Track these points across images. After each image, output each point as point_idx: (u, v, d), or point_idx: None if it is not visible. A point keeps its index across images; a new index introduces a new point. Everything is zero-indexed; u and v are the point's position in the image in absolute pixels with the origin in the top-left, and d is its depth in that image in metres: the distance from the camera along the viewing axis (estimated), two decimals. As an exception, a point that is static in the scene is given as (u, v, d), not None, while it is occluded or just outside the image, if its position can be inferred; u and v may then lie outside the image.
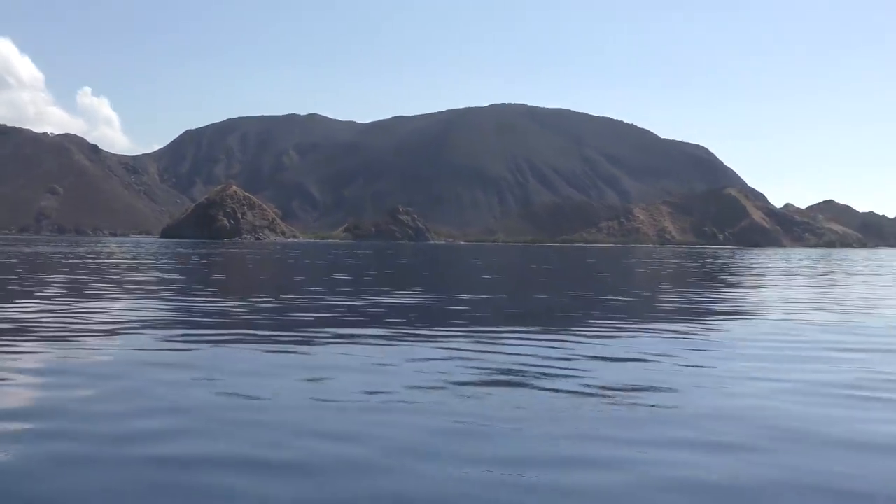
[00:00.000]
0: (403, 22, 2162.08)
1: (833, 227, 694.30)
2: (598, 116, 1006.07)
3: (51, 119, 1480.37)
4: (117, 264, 55.08)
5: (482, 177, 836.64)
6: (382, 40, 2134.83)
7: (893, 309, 27.55)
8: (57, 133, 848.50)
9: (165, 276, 42.56)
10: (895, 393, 11.39)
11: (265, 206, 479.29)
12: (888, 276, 55.09)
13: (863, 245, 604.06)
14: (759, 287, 40.82)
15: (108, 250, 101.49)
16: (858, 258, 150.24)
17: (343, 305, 25.40)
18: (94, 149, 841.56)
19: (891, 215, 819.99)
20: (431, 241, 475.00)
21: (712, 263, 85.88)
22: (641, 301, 30.78)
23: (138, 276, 38.25)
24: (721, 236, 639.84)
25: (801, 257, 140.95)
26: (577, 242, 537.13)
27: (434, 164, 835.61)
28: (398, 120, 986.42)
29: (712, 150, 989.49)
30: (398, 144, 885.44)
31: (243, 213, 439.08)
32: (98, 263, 54.74)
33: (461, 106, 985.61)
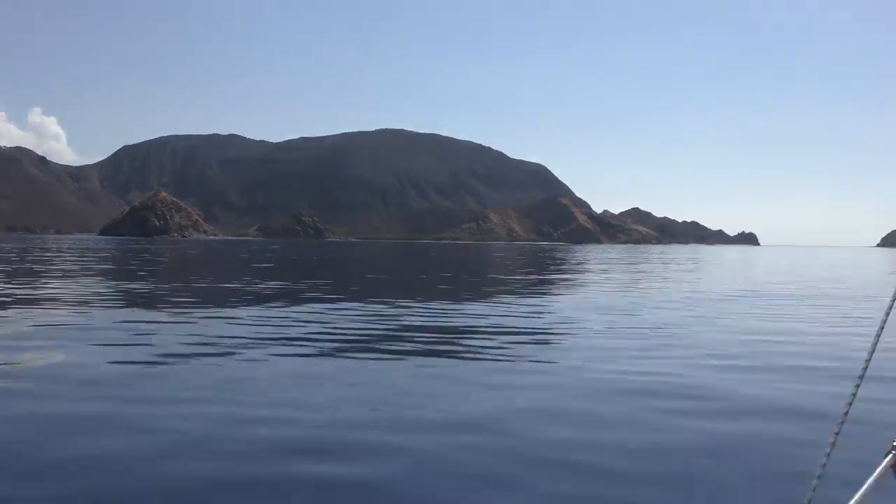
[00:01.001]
0: (305, 57, 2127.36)
1: (638, 229, 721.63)
2: (463, 140, 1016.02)
3: (4, 134, 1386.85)
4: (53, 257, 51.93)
5: (371, 187, 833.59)
6: (290, 70, 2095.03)
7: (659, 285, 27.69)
8: (9, 146, 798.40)
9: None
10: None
11: (190, 210, 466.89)
12: (671, 265, 57.18)
13: (659, 242, 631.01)
14: (578, 272, 42.03)
15: (45, 246, 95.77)
16: (655, 252, 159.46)
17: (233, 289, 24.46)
18: (43, 160, 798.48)
19: (679, 220, 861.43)
20: (329, 239, 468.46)
21: (549, 255, 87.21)
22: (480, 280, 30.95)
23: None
24: (555, 235, 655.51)
25: (612, 252, 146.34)
26: (444, 240, 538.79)
27: (332, 176, 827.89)
28: (304, 140, 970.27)
29: (549, 167, 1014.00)
30: (303, 160, 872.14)
31: (171, 216, 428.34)
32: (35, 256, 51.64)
33: (353, 130, 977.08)
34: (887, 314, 2.08)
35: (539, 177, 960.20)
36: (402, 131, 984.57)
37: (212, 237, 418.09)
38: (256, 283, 30.74)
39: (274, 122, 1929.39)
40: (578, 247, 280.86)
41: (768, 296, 28.58)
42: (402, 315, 18.90)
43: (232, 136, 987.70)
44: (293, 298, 23.33)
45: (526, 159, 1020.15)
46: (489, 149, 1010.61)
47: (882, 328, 2.07)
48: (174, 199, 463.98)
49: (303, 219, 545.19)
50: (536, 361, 12.27)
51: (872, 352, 2.08)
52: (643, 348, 13.73)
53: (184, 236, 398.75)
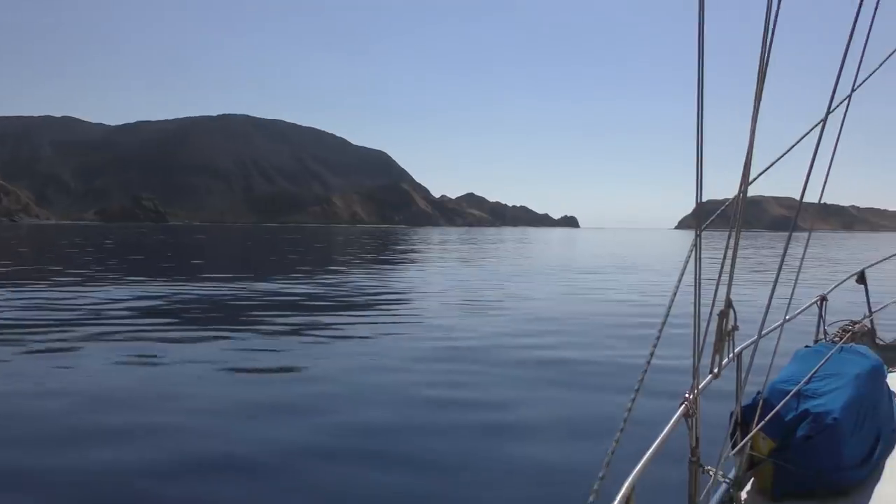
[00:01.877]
0: (146, 40, 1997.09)
1: (473, 212, 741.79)
2: (305, 126, 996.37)
3: None
4: None
5: (214, 171, 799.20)
6: (129, 49, 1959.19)
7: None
8: None
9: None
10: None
11: (20, 193, 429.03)
12: (497, 245, 60.01)
13: (492, 225, 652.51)
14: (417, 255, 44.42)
15: None
16: (489, 234, 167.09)
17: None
18: None
19: (510, 204, 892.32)
20: (171, 223, 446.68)
21: (390, 237, 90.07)
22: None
23: None
24: (397, 218, 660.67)
25: (449, 234, 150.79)
26: (290, 223, 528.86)
27: (174, 160, 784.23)
28: (144, 123, 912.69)
29: (391, 154, 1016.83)
30: (143, 143, 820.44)
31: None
32: None
33: (196, 114, 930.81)
34: (677, 285, 2.22)
35: (381, 163, 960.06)
36: (245, 116, 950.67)
37: (44, 221, 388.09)
38: None
39: (112, 105, 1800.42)
40: (419, 229, 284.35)
41: (577, 270, 33.19)
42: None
43: (67, 119, 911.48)
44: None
45: (368, 146, 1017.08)
46: (332, 135, 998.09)
47: (674, 296, 2.22)
48: (1, 181, 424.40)
49: (143, 202, 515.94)
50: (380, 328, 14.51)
51: (667, 315, 2.22)
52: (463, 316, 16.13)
53: (13, 220, 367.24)
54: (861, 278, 6.08)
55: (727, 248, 2.08)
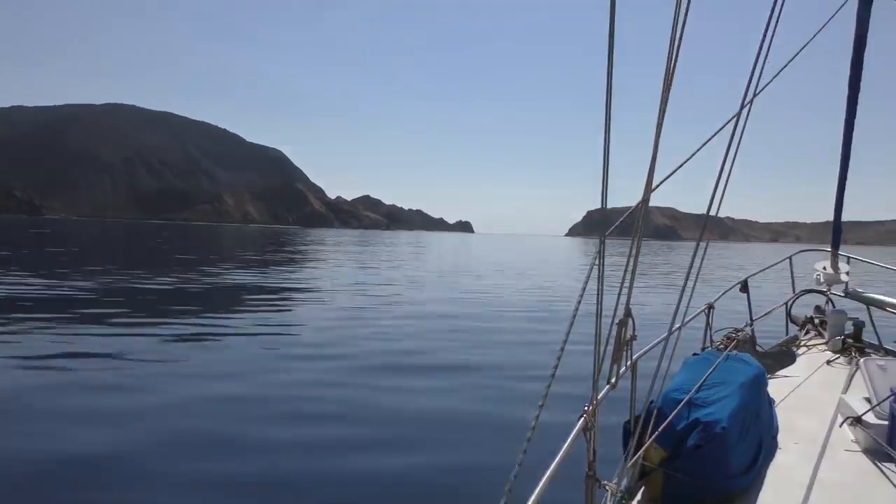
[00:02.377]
0: (19, 15, 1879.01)
1: (368, 215, 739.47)
2: (197, 120, 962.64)
3: None
4: None
5: (97, 163, 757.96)
6: (4, 31, 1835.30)
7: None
8: None
9: None
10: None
11: None
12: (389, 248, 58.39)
13: (387, 228, 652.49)
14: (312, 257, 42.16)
15: None
16: (384, 236, 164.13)
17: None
18: None
19: (406, 207, 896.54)
20: (47, 216, 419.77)
21: (283, 239, 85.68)
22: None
23: None
24: (291, 218, 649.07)
25: (344, 236, 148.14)
26: (177, 221, 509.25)
27: (52, 150, 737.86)
28: (19, 108, 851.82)
29: (286, 153, 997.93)
30: (17, 130, 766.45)
31: None
32: None
33: (79, 102, 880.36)
34: (581, 294, 2.27)
35: (275, 161, 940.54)
36: (133, 107, 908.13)
37: None
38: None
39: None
40: (312, 230, 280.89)
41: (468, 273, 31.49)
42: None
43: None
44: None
45: (263, 143, 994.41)
46: (226, 131, 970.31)
47: (577, 305, 2.26)
48: None
49: (15, 194, 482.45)
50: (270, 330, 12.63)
51: (571, 324, 2.25)
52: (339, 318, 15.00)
53: None
54: (744, 287, 6.50)
55: (629, 256, 2.12)
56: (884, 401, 3.49)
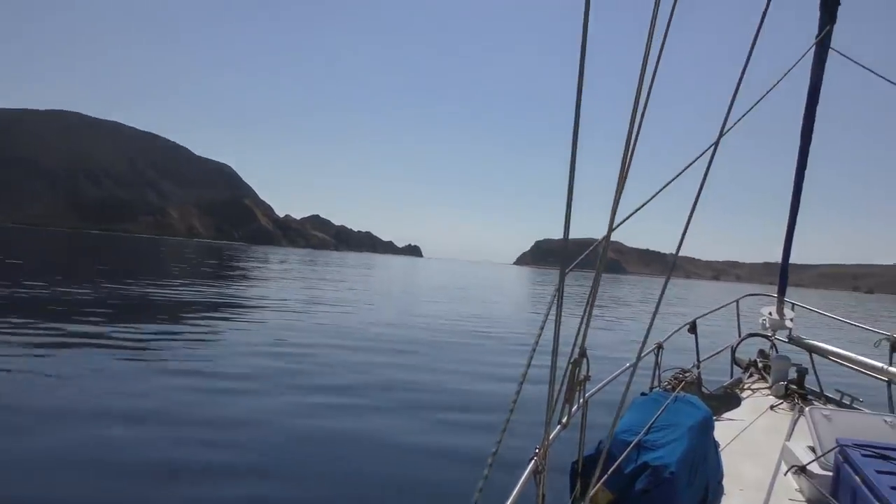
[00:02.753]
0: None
1: (317, 234, 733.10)
2: (145, 131, 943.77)
3: None
4: None
5: (35, 170, 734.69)
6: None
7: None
8: None
9: None
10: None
11: None
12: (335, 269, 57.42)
13: (336, 248, 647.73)
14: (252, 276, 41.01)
15: None
16: (333, 258, 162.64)
17: None
18: None
19: (355, 229, 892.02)
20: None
21: (226, 255, 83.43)
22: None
23: None
24: (237, 234, 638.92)
25: (291, 255, 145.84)
26: (117, 232, 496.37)
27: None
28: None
29: (235, 168, 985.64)
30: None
31: None
32: None
33: (19, 107, 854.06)
34: (540, 332, 2.26)
35: (224, 176, 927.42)
36: (78, 115, 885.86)
37: None
38: None
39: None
40: (259, 248, 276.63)
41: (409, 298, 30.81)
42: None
43: None
44: None
45: (212, 157, 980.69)
46: (174, 143, 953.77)
47: (536, 342, 2.25)
48: None
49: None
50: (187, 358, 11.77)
51: (529, 362, 2.27)
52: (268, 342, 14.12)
53: None
54: (692, 328, 6.64)
55: (589, 295, 2.07)
56: (829, 452, 3.49)
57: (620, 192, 1.91)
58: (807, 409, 4.05)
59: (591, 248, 2.36)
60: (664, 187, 2.65)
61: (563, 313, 2.10)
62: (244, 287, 32.23)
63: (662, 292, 2.28)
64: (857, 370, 5.92)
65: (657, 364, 5.49)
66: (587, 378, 2.34)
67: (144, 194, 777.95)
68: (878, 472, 2.93)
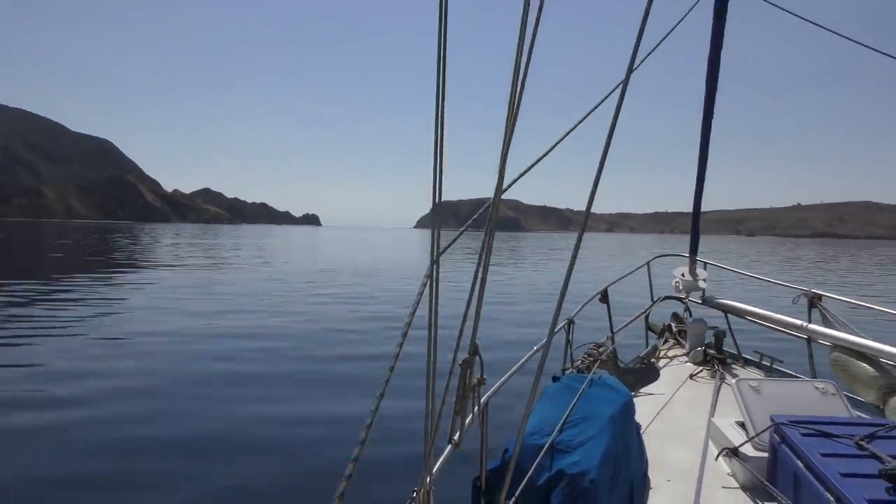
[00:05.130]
0: None
1: (209, 208, 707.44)
2: (15, 108, 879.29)
3: None
4: None
5: None
6: None
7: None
8: None
9: None
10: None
11: None
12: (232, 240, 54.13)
13: (230, 222, 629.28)
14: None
15: None
16: (225, 231, 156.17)
17: None
18: None
19: (249, 201, 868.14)
20: None
21: (116, 237, 78.00)
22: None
23: None
24: (122, 213, 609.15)
25: (181, 231, 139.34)
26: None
27: None
28: None
29: (117, 143, 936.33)
30: None
31: None
32: None
33: None
34: (409, 321, 1.88)
35: (104, 152, 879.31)
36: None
37: None
38: None
39: None
40: (147, 225, 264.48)
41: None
42: None
43: None
44: None
45: (89, 133, 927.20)
46: (47, 119, 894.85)
47: (404, 336, 1.87)
48: None
49: None
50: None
51: (394, 363, 1.86)
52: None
53: None
54: (604, 297, 6.14)
55: (475, 277, 1.65)
56: (763, 432, 3.22)
57: (507, 148, 1.61)
58: (732, 380, 3.73)
59: (479, 210, 1.99)
60: (562, 139, 2.36)
61: (445, 291, 1.76)
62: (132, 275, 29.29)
63: (573, 261, 1.76)
64: (775, 329, 5.65)
65: (568, 342, 5.01)
66: (481, 382, 1.87)
67: (17, 175, 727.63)
68: (823, 454, 2.63)
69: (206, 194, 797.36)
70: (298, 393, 8.69)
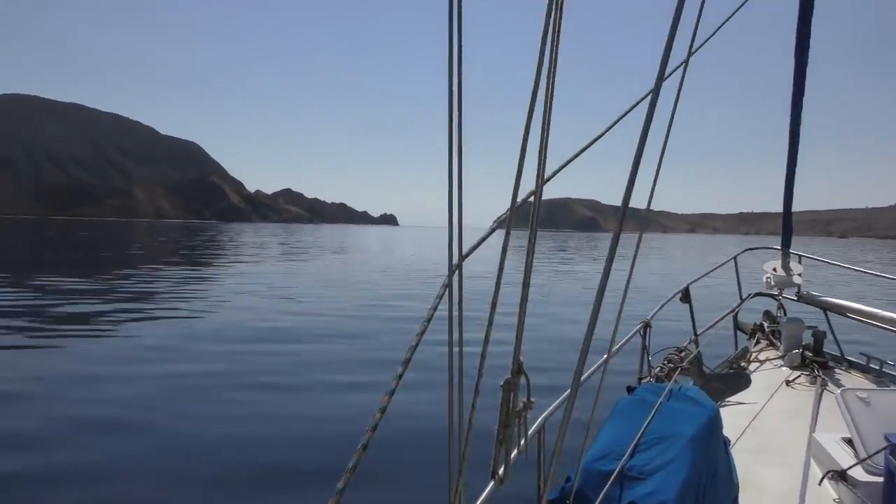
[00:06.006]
0: None
1: (290, 209, 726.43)
2: (108, 112, 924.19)
3: None
4: None
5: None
6: None
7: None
8: None
9: None
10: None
11: None
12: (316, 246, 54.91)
13: (310, 221, 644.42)
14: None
15: None
16: (306, 231, 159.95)
17: None
18: None
19: (328, 201, 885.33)
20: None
21: (196, 236, 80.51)
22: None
23: None
24: (207, 213, 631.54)
25: (262, 231, 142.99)
26: (84, 217, 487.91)
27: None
28: None
29: (202, 145, 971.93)
30: None
31: None
32: None
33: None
34: (422, 330, 1.57)
35: (191, 154, 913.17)
36: (35, 98, 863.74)
37: None
38: None
39: None
40: (230, 225, 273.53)
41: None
42: None
43: None
44: None
45: (178, 136, 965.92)
46: (138, 123, 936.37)
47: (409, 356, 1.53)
48: None
49: None
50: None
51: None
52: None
53: None
54: (685, 296, 5.69)
55: (524, 282, 1.43)
56: (876, 453, 2.78)
57: (546, 138, 1.43)
58: (837, 390, 3.33)
59: (518, 203, 1.56)
60: (621, 118, 2.10)
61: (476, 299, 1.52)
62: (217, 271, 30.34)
63: (635, 255, 1.74)
64: (884, 328, 4.95)
65: (645, 348, 4.55)
66: (529, 406, 1.56)
67: (110, 177, 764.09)
68: None
69: (287, 195, 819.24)
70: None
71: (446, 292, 1.44)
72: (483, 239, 1.82)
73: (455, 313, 1.39)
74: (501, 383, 1.52)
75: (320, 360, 10.40)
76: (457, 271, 1.43)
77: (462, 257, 1.48)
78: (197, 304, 16.59)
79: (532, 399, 1.60)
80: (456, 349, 1.37)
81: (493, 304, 1.39)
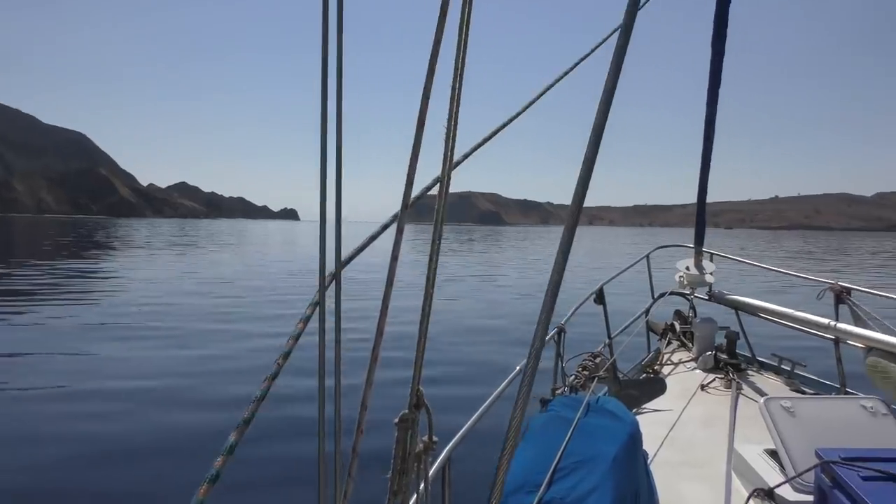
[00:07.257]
0: None
1: (185, 203, 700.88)
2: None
3: None
4: None
5: None
6: None
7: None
8: None
9: None
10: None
11: None
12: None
13: (207, 216, 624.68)
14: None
15: None
16: (201, 225, 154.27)
17: None
18: None
19: (227, 195, 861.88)
20: None
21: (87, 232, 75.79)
22: None
23: None
24: (95, 208, 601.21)
25: (156, 227, 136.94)
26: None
27: None
28: None
29: (90, 135, 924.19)
30: None
31: None
32: None
33: None
34: (288, 349, 1.15)
35: (78, 144, 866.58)
36: None
37: None
38: None
39: None
40: (120, 220, 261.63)
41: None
42: None
43: None
44: None
45: (62, 125, 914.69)
46: (17, 111, 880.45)
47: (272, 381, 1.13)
48: None
49: None
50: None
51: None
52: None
53: None
54: (599, 297, 5.43)
55: (427, 284, 1.18)
56: (807, 471, 2.53)
57: (454, 131, 1.21)
58: (761, 400, 3.09)
59: (420, 192, 1.44)
60: (538, 98, 1.97)
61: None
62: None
63: (564, 257, 1.30)
64: (796, 328, 4.96)
65: (559, 355, 4.22)
66: (431, 446, 1.30)
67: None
68: None
69: (183, 188, 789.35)
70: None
71: (316, 312, 1.11)
72: (373, 238, 1.49)
73: (329, 337, 1.08)
74: (396, 420, 1.24)
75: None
76: (332, 284, 1.11)
77: (340, 264, 1.16)
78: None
79: (434, 439, 1.34)
80: (330, 382, 1.05)
81: (384, 312, 1.11)
